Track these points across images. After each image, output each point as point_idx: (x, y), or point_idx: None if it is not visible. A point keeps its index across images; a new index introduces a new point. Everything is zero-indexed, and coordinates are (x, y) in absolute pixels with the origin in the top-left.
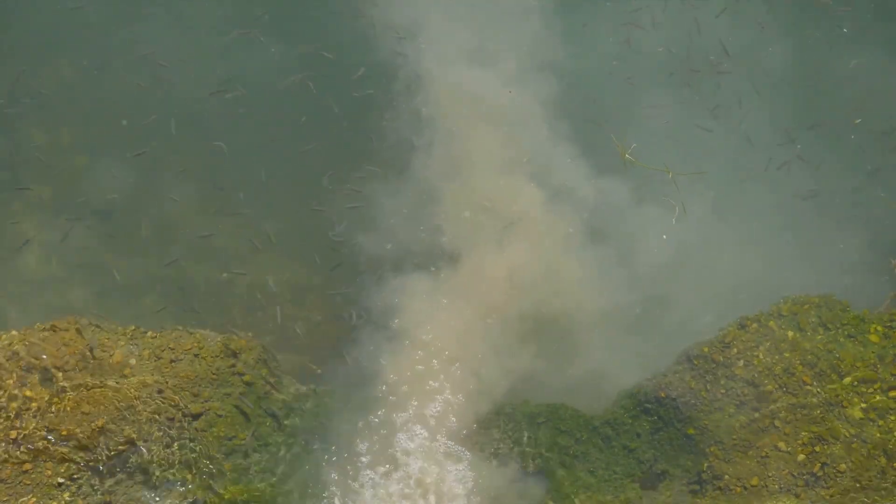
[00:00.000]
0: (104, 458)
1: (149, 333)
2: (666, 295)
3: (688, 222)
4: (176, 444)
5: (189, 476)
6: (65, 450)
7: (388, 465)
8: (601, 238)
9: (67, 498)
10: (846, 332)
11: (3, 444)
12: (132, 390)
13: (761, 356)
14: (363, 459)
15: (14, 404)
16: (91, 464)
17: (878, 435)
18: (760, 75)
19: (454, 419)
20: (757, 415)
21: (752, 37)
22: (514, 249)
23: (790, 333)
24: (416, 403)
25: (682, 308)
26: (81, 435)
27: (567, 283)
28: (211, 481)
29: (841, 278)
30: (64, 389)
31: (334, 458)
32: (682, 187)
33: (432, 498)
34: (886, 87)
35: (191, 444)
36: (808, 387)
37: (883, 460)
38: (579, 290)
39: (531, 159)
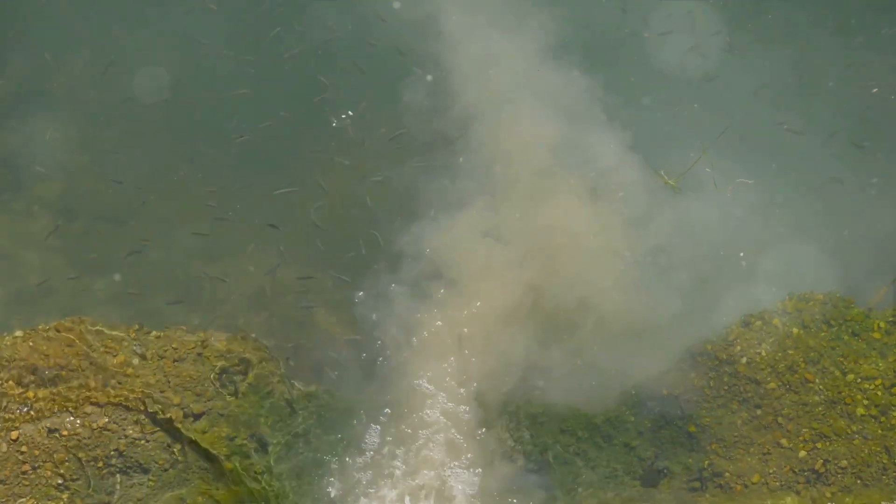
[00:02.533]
0: (104, 458)
1: (152, 333)
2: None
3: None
4: (177, 444)
5: (190, 477)
6: (65, 450)
7: (390, 465)
8: (630, 229)
9: (66, 498)
10: (850, 330)
11: (4, 444)
12: (134, 391)
13: (764, 353)
14: (365, 459)
15: (15, 405)
16: (91, 464)
17: (880, 431)
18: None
19: (456, 418)
20: (759, 412)
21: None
22: (545, 235)
23: (794, 330)
24: (417, 404)
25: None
26: (83, 435)
27: (593, 280)
28: (212, 481)
29: (846, 276)
30: (67, 390)
31: (337, 459)
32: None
33: (434, 497)
34: None
35: (191, 445)
36: (811, 384)
37: (885, 457)
38: (603, 286)
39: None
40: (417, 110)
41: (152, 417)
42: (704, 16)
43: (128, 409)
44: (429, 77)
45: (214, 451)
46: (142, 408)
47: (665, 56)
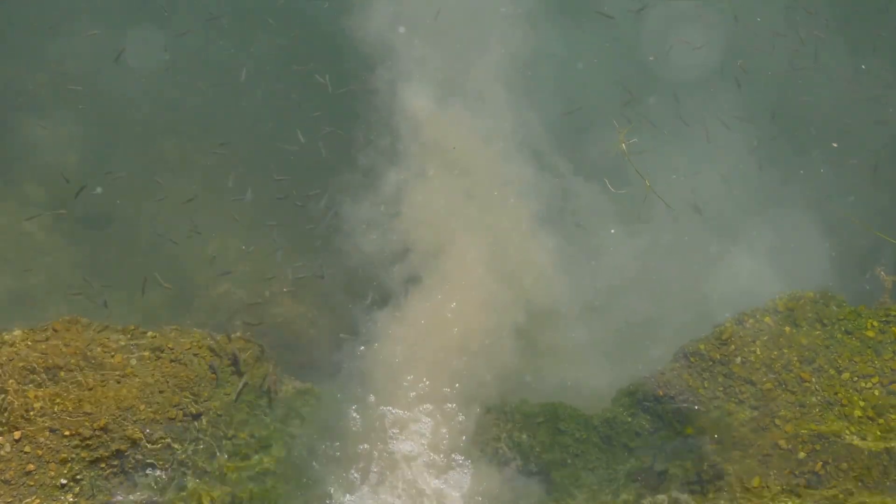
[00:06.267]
0: (106, 458)
1: (148, 333)
2: (656, 294)
3: (673, 225)
4: (177, 444)
5: (190, 476)
6: (68, 450)
7: (388, 465)
8: (589, 242)
9: (71, 499)
10: (843, 328)
11: (7, 445)
12: (133, 390)
13: (759, 353)
14: (363, 459)
15: (17, 404)
16: (93, 464)
17: (879, 433)
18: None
19: (453, 419)
20: (756, 413)
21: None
22: (500, 257)
23: (787, 329)
24: (415, 404)
25: (672, 307)
26: (84, 435)
27: (553, 285)
28: (213, 481)
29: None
30: (66, 390)
31: (335, 458)
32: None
33: (432, 498)
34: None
35: (192, 445)
36: (807, 384)
37: (885, 459)
38: (567, 294)
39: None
40: None
41: (152, 417)
42: None
43: (128, 409)
44: None
45: (214, 452)
46: (142, 408)
47: None
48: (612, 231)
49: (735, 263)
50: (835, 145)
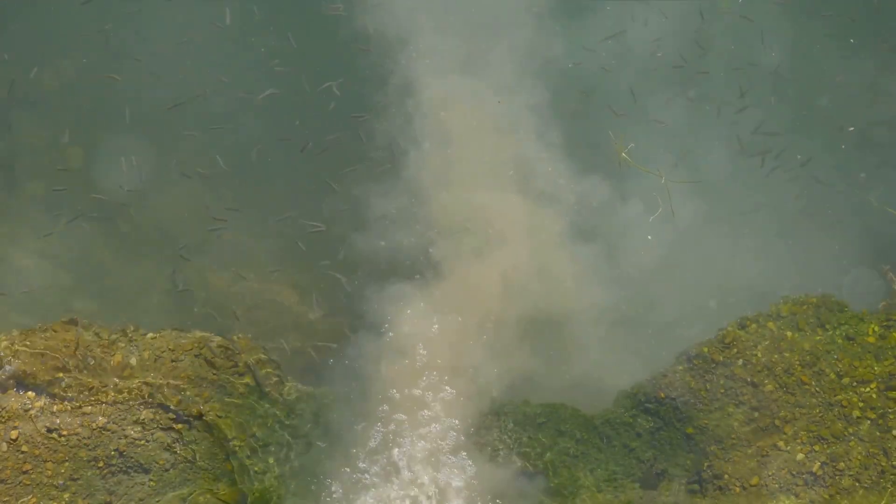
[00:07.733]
0: (105, 457)
1: (149, 334)
2: (660, 296)
3: (681, 224)
4: (177, 444)
5: (190, 476)
6: (66, 449)
7: (388, 466)
8: (597, 242)
9: (68, 498)
10: (844, 333)
11: (4, 444)
12: (133, 391)
13: (760, 356)
14: (364, 460)
15: (15, 404)
16: (92, 464)
17: (878, 434)
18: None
19: (454, 420)
20: (756, 414)
21: (748, 40)
22: (505, 254)
23: (789, 333)
24: (416, 404)
25: (678, 310)
26: (82, 435)
27: (559, 287)
28: (212, 482)
29: (833, 281)
30: (64, 390)
31: (335, 459)
32: (675, 191)
33: (433, 498)
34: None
35: (192, 445)
36: (807, 386)
37: (883, 459)
38: (573, 295)
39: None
40: None
41: (152, 417)
42: None
43: (127, 409)
44: None
45: (215, 452)
46: (142, 408)
47: None
48: (649, 237)
49: (739, 264)
50: (851, 129)
